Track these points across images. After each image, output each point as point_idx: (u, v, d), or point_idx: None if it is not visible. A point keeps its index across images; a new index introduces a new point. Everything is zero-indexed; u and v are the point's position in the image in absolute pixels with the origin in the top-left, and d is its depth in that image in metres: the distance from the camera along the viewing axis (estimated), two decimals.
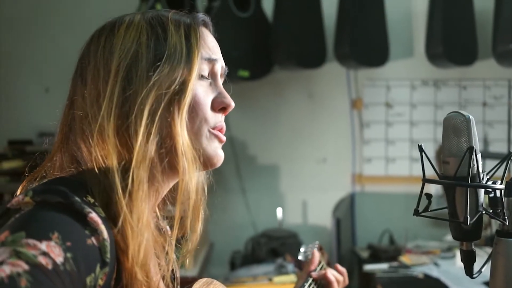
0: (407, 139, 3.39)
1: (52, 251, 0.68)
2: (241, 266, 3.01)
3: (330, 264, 1.39)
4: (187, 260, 0.93)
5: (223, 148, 0.92)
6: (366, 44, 3.08)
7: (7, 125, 3.36)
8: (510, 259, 0.86)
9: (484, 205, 0.89)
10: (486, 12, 3.08)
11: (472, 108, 3.34)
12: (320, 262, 1.33)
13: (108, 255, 0.74)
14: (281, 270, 2.72)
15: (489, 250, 0.92)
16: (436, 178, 0.91)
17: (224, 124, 0.92)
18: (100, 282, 0.73)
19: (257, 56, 3.12)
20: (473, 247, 0.91)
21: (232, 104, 0.91)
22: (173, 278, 0.97)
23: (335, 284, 1.27)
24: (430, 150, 3.22)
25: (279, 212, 3.22)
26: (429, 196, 0.91)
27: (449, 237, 3.01)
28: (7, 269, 0.64)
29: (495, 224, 2.29)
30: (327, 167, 3.42)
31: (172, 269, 0.94)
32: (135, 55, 0.85)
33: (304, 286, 1.24)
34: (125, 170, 0.81)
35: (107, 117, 0.82)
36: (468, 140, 0.87)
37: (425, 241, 3.16)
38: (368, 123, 3.40)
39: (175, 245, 0.91)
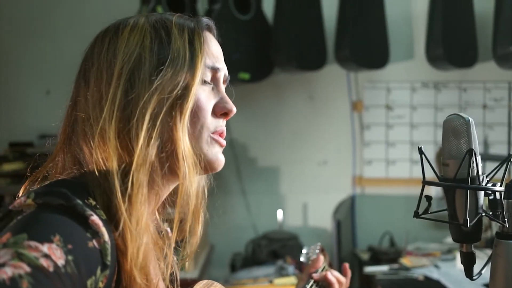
0: (407, 141, 3.39)
1: (53, 254, 0.68)
2: (241, 268, 3.01)
3: (331, 266, 1.40)
4: (187, 263, 0.94)
5: (223, 150, 0.92)
6: (366, 46, 3.08)
7: (8, 127, 3.35)
8: (510, 261, 0.86)
9: (484, 207, 0.89)
10: (486, 14, 3.08)
11: (472, 110, 3.34)
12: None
13: (109, 258, 0.74)
14: (281, 272, 2.72)
15: (489, 252, 0.92)
16: (436, 180, 0.91)
17: (224, 129, 0.92)
18: (101, 284, 0.74)
19: (257, 59, 3.11)
20: (473, 249, 0.91)
21: (234, 109, 0.91)
22: (173, 281, 0.97)
23: (336, 286, 1.27)
24: (430, 152, 3.22)
25: (280, 214, 3.21)
26: (429, 198, 0.91)
27: (449, 239, 3.01)
28: (8, 271, 0.64)
29: (495, 226, 2.29)
30: (327, 169, 3.42)
31: (172, 272, 0.94)
32: (138, 58, 0.85)
33: (306, 287, 1.24)
34: (125, 173, 0.81)
35: (108, 119, 0.82)
36: (468, 142, 0.87)
37: (425, 243, 3.16)
38: (368, 125, 3.40)
39: (176, 248, 0.91)
